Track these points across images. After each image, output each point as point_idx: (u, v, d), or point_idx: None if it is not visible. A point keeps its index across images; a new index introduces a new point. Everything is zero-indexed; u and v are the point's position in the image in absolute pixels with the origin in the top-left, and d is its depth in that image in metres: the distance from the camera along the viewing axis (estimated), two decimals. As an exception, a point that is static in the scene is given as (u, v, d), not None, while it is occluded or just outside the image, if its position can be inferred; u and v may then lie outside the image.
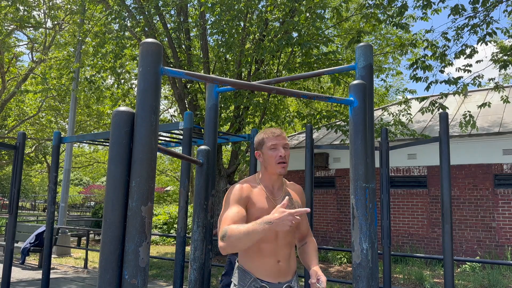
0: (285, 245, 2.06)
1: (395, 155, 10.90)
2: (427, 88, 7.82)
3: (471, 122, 7.78)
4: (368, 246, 1.51)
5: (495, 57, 7.75)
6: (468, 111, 8.25)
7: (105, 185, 1.25)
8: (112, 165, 1.24)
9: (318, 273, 1.93)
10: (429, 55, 7.97)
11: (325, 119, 8.89)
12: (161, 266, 9.23)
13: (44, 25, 15.44)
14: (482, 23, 7.50)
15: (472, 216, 9.72)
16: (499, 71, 7.63)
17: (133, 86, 12.04)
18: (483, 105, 8.06)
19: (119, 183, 1.23)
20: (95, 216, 16.40)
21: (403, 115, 10.17)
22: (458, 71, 8.01)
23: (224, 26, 7.91)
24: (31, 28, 15.88)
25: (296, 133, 14.56)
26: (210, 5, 7.80)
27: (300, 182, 12.31)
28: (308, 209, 1.68)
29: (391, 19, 7.72)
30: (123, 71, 11.06)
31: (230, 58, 9.89)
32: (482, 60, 8.25)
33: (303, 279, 7.91)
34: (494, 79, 8.18)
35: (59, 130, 11.69)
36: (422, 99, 8.71)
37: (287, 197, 1.74)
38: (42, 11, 15.77)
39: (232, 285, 2.08)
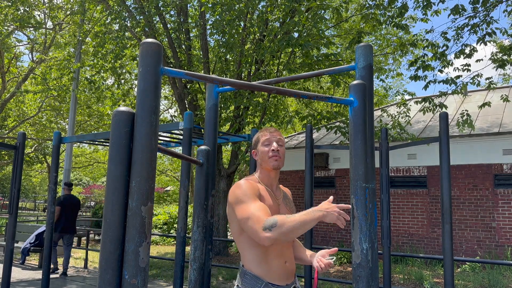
0: (289, 246, 2.04)
1: (395, 155, 10.90)
2: (425, 87, 7.83)
3: (469, 121, 7.78)
4: (368, 246, 1.52)
5: (495, 57, 7.75)
6: (465, 110, 8.24)
7: (105, 185, 1.25)
8: (112, 165, 1.24)
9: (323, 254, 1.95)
10: (429, 56, 7.98)
11: (325, 120, 8.89)
12: (161, 266, 9.23)
13: (44, 26, 15.44)
14: (482, 23, 7.50)
15: (472, 216, 9.72)
16: (496, 70, 7.64)
17: (133, 86, 12.04)
18: (483, 105, 8.06)
19: (119, 183, 1.23)
20: (95, 216, 16.40)
21: (401, 118, 10.16)
22: (456, 70, 8.01)
23: (225, 26, 7.91)
24: (31, 28, 15.88)
25: (296, 133, 14.56)
26: (210, 5, 7.80)
27: (300, 182, 12.31)
28: (349, 206, 1.67)
29: (391, 20, 7.72)
30: (123, 71, 11.07)
31: (230, 58, 9.89)
32: (482, 60, 8.25)
33: (303, 280, 7.91)
34: (491, 78, 8.17)
35: (59, 130, 11.71)
36: (423, 99, 8.72)
37: (331, 197, 1.79)
38: (42, 11, 15.78)
39: None
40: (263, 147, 2.03)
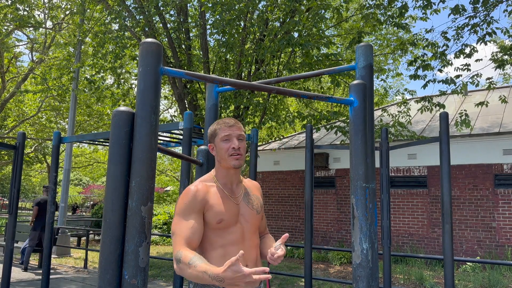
0: (252, 247, 1.89)
1: (395, 155, 10.90)
2: (424, 86, 7.83)
3: (467, 121, 7.78)
4: (368, 246, 1.51)
5: (495, 57, 7.75)
6: (464, 110, 8.24)
7: (105, 185, 1.25)
8: (112, 165, 1.24)
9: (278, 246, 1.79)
10: (429, 56, 7.98)
11: (325, 120, 8.89)
12: (161, 266, 9.23)
13: (44, 25, 15.44)
14: (482, 22, 7.50)
15: (472, 216, 9.72)
16: (494, 70, 7.64)
17: (133, 86, 12.04)
18: (481, 104, 8.06)
19: (119, 183, 1.23)
20: (95, 216, 16.40)
21: (402, 117, 10.16)
22: (456, 70, 8.01)
23: (225, 26, 7.91)
24: (31, 28, 15.88)
25: (296, 133, 14.56)
26: (210, 5, 7.80)
27: (300, 182, 12.31)
28: (270, 276, 1.46)
29: (391, 19, 7.73)
30: (123, 71, 11.06)
31: (230, 58, 9.89)
32: (481, 59, 8.25)
33: (302, 279, 7.91)
34: (492, 78, 8.17)
35: (59, 130, 11.70)
36: (422, 99, 8.72)
37: (241, 252, 1.45)
38: (42, 11, 15.78)
39: None
40: (223, 143, 1.87)
